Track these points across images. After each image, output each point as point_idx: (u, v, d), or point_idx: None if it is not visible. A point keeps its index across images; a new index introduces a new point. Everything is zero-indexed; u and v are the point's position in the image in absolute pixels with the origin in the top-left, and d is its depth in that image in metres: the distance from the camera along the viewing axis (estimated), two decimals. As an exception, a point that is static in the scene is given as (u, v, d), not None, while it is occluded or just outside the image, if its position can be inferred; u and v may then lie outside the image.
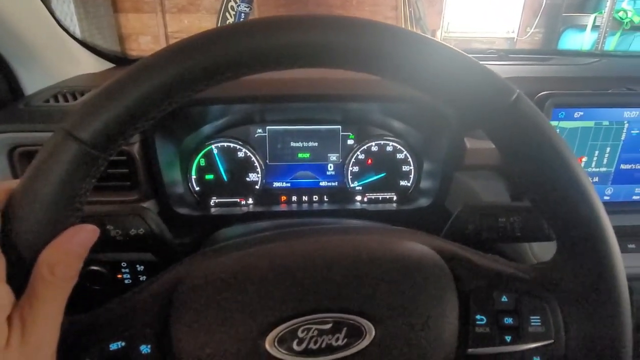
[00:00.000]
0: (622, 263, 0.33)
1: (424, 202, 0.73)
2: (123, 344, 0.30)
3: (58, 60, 0.74)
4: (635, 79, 0.74)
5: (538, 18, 3.73)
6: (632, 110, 0.59)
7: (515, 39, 3.82)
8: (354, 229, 0.40)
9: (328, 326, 0.31)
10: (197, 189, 0.73)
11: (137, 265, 0.63)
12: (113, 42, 3.43)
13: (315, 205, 0.76)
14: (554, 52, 1.13)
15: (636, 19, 3.22)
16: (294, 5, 3.41)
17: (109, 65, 0.88)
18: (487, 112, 0.32)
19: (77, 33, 2.77)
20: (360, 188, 0.76)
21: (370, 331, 0.31)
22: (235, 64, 0.28)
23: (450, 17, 3.74)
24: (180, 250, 0.52)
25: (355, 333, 0.31)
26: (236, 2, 3.21)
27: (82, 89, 0.67)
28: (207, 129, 0.70)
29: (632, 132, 0.61)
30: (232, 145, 0.72)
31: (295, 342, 0.31)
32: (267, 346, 0.30)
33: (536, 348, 0.33)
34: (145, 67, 0.28)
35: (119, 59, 0.90)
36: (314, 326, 0.31)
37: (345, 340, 0.31)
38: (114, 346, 0.30)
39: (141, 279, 0.64)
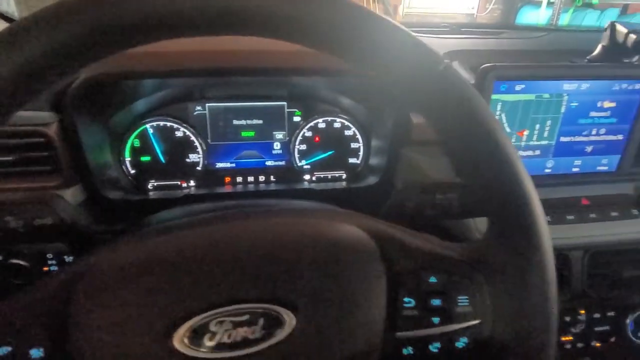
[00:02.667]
0: (550, 241, 0.32)
1: (372, 179, 0.71)
2: (9, 349, 0.27)
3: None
4: (580, 52, 0.74)
5: (497, -6, 3.77)
6: (571, 82, 0.59)
7: (475, 15, 3.86)
8: (278, 211, 0.37)
9: (244, 318, 0.29)
10: (133, 172, 0.68)
11: (65, 257, 0.59)
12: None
13: (261, 185, 0.73)
14: (505, 26, 1.13)
15: (587, -3, 3.33)
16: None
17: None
18: (414, 83, 0.30)
19: (11, 5, 2.54)
20: (309, 167, 0.74)
21: (291, 321, 0.30)
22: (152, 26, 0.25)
23: (411, -8, 3.72)
24: (105, 239, 0.48)
25: (274, 323, 0.29)
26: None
27: None
28: (139, 105, 0.65)
29: (572, 104, 0.61)
30: (169, 124, 0.67)
31: (207, 337, 0.28)
32: (176, 343, 0.28)
33: (464, 328, 0.33)
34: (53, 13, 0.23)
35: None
36: (228, 318, 0.29)
37: (263, 331, 0.29)
38: None
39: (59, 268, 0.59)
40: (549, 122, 0.62)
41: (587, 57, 0.70)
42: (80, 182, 0.59)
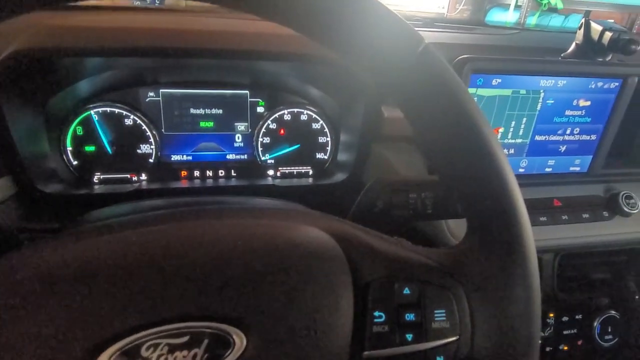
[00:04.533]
0: (533, 244, 0.29)
1: (340, 176, 0.67)
2: None
3: None
4: (553, 50, 0.73)
5: (467, -5, 3.83)
6: (548, 78, 0.57)
7: (445, 15, 3.91)
8: (227, 211, 0.32)
9: (183, 339, 0.24)
10: (75, 163, 0.61)
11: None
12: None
13: (221, 181, 0.67)
14: (478, 23, 1.12)
15: (553, 2, 3.43)
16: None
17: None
18: (390, 66, 0.26)
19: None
20: (273, 162, 0.69)
21: (241, 342, 0.25)
22: None
23: (383, -11, 3.72)
24: (34, 239, 0.41)
25: (220, 345, 0.25)
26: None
27: None
28: (82, 88, 0.57)
29: (548, 101, 0.59)
30: (117, 111, 0.60)
31: None
32: None
33: (440, 346, 0.29)
34: None
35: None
36: (165, 340, 0.24)
37: (206, 355, 0.24)
38: None
39: None
40: (524, 120, 0.59)
41: (562, 55, 0.69)
42: (8, 174, 0.52)
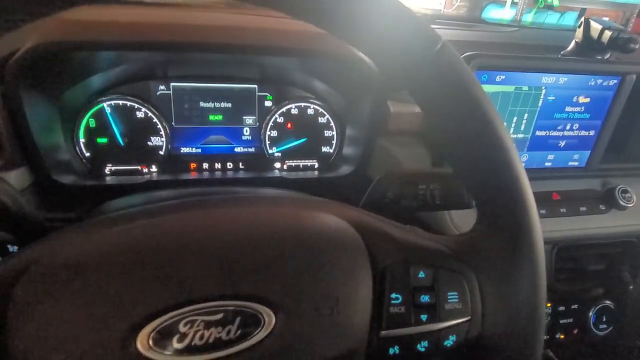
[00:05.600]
0: (540, 231, 0.31)
1: (346, 169, 0.69)
2: None
3: None
4: (552, 47, 0.75)
5: (464, -8, 3.85)
6: (550, 75, 0.59)
7: (442, 11, 3.92)
8: (253, 199, 0.34)
9: (218, 317, 0.26)
10: (87, 154, 0.62)
11: (9, 246, 0.52)
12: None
13: (229, 173, 0.69)
14: (477, 20, 1.13)
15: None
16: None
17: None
18: (409, 62, 0.28)
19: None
20: (280, 154, 0.70)
21: (270, 319, 0.27)
22: None
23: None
24: (54, 228, 0.43)
25: (252, 323, 0.26)
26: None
27: None
28: (95, 82, 0.58)
29: (549, 98, 0.61)
30: (128, 103, 0.62)
31: (176, 339, 0.25)
32: (140, 346, 0.24)
33: (453, 326, 0.31)
34: None
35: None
36: (200, 317, 0.25)
37: (239, 332, 0.26)
38: None
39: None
40: (526, 115, 0.61)
41: (561, 53, 0.70)
42: (26, 165, 0.53)
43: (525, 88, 0.59)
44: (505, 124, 0.61)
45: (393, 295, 0.30)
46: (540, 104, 0.61)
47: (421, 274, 0.31)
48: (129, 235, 0.27)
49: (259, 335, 0.26)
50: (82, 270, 0.25)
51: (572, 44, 0.69)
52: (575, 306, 0.75)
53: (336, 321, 0.28)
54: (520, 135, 0.63)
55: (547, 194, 0.68)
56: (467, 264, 0.32)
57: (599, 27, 0.62)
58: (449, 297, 0.31)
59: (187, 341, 0.25)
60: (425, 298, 0.31)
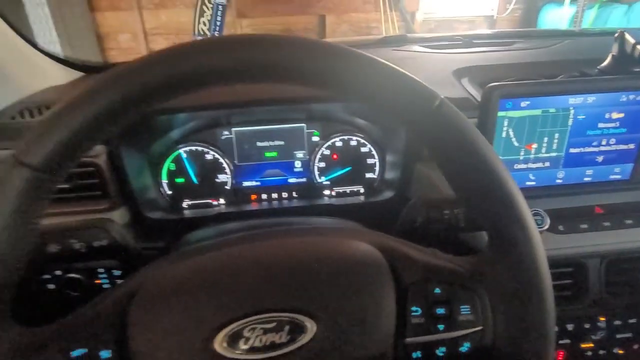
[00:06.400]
0: (543, 251, 0.36)
1: (388, 193, 0.75)
2: (84, 350, 0.33)
3: (25, 74, 0.75)
4: (592, 61, 0.76)
5: (517, -6, 3.73)
6: (576, 96, 0.62)
7: (495, 17, 3.82)
8: (299, 230, 0.42)
9: (272, 325, 0.34)
10: (169, 192, 0.75)
11: (114, 271, 0.66)
12: (91, 42, 3.39)
13: (284, 202, 0.78)
14: (520, 34, 1.15)
15: (614, -9, 3.23)
16: (271, -7, 3.38)
17: (78, 74, 0.89)
18: (413, 119, 0.35)
19: (53, 36, 2.74)
20: (328, 183, 0.79)
21: (312, 327, 0.34)
22: (177, 85, 0.31)
23: (429, -3, 3.72)
24: (149, 255, 0.55)
25: (298, 330, 0.34)
26: (212, -5, 3.18)
27: (49, 102, 0.69)
28: (174, 134, 0.72)
29: (579, 117, 0.63)
30: (200, 148, 0.74)
31: (242, 342, 0.34)
32: (217, 346, 0.33)
33: (466, 335, 0.36)
34: (89, 92, 0.30)
35: (87, 67, 0.90)
36: (259, 325, 0.34)
37: (288, 337, 0.34)
38: (75, 353, 0.33)
39: (118, 282, 0.66)
40: (557, 135, 0.64)
41: (598, 67, 0.72)
42: (125, 205, 0.67)
43: (552, 110, 0.62)
44: (526, 145, 0.64)
45: (414, 308, 0.37)
46: (570, 123, 0.64)
47: (437, 290, 0.37)
48: (206, 264, 0.37)
49: (304, 339, 0.34)
50: (175, 290, 0.35)
51: (609, 57, 0.70)
52: (634, 320, 0.73)
53: (366, 330, 0.35)
54: (554, 154, 0.66)
55: (589, 208, 0.69)
56: (478, 282, 0.38)
57: (632, 41, 0.64)
58: (461, 309, 0.37)
59: (250, 343, 0.34)
60: (440, 310, 0.37)
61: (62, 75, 0.85)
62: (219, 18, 3.27)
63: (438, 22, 3.81)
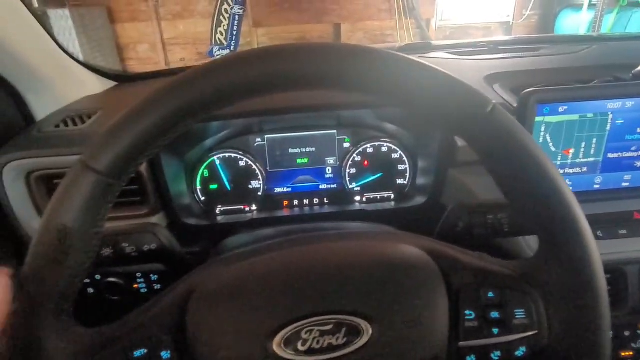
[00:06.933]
0: (598, 255, 0.35)
1: (420, 199, 0.75)
2: (145, 351, 0.33)
3: (63, 84, 0.78)
4: (624, 66, 0.75)
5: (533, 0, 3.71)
6: (615, 101, 0.61)
7: (511, 23, 3.80)
8: (350, 234, 0.43)
9: (329, 327, 0.34)
10: (203, 198, 0.76)
11: (151, 275, 0.67)
12: (112, 52, 3.47)
13: (316, 208, 0.79)
14: (544, 39, 1.14)
15: (633, -5, 3.19)
16: (286, 3, 3.42)
17: (112, 83, 0.91)
18: (465, 124, 0.35)
19: (76, 46, 2.81)
20: (359, 189, 0.79)
21: (368, 330, 0.35)
22: (228, 95, 0.32)
23: (444, 4, 3.73)
24: (189, 259, 0.55)
25: (354, 332, 0.34)
26: (229, 5, 3.24)
27: (88, 111, 0.71)
28: (209, 142, 0.73)
29: (617, 122, 0.63)
30: (233, 155, 0.75)
31: (299, 343, 0.34)
32: (275, 347, 0.34)
33: (522, 338, 0.36)
34: (150, 102, 0.31)
35: (120, 77, 0.93)
36: (316, 327, 0.34)
37: (345, 339, 0.34)
38: (137, 354, 0.34)
39: (155, 287, 0.67)
40: (594, 140, 0.64)
41: (632, 72, 0.71)
42: (163, 211, 0.68)
43: (590, 115, 0.62)
44: (563, 150, 0.64)
45: (467, 312, 0.37)
46: (608, 128, 0.63)
47: (490, 294, 0.37)
48: (263, 266, 0.37)
49: (360, 342, 0.34)
50: (232, 293, 0.36)
51: (644, 61, 0.70)
52: (676, 328, 0.72)
53: (420, 333, 0.35)
54: (591, 159, 0.65)
55: (628, 214, 0.68)
56: (532, 286, 0.37)
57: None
58: (516, 313, 0.37)
59: (307, 345, 0.34)
60: (495, 314, 0.37)
61: (97, 84, 0.87)
62: (235, 27, 3.33)
63: (453, 29, 3.80)
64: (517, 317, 0.37)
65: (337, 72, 0.32)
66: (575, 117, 0.62)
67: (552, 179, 0.35)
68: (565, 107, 0.61)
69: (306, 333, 0.34)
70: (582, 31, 3.33)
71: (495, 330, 0.37)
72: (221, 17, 3.28)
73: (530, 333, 0.36)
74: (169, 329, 0.35)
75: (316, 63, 0.31)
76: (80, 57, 0.85)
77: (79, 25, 2.86)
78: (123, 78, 0.93)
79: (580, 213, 0.35)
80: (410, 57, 0.33)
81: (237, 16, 3.29)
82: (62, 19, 2.73)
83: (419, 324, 0.35)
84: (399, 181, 0.79)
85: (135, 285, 0.66)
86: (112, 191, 0.32)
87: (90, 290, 0.66)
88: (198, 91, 0.31)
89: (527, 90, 0.60)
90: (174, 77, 0.32)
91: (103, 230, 0.34)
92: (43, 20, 0.73)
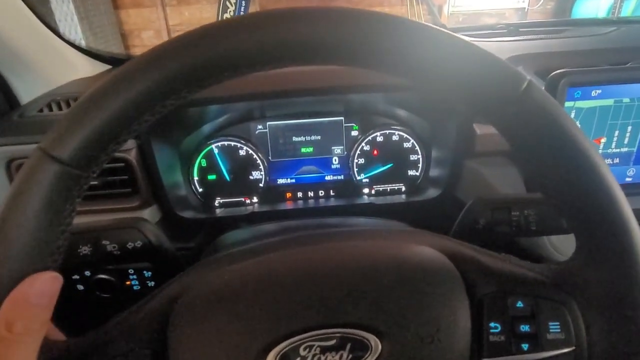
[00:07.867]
0: None
1: (433, 192, 0.70)
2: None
3: (52, 66, 0.73)
4: (657, 49, 0.69)
5: (550, -15, 3.58)
6: (655, 84, 0.55)
7: (526, 10, 3.68)
8: (358, 233, 0.37)
9: (332, 342, 0.29)
10: (200, 190, 0.72)
11: (145, 272, 0.62)
12: (115, 39, 3.41)
13: (321, 200, 0.74)
14: (567, 22, 1.07)
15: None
16: (295, -12, 3.33)
17: (106, 67, 0.86)
18: (496, 104, 0.29)
19: (78, 32, 2.76)
20: (367, 180, 0.74)
21: (377, 346, 0.30)
22: (215, 68, 0.26)
23: (456, -10, 3.61)
24: (182, 256, 0.51)
25: (361, 348, 0.29)
26: (236, -10, 3.16)
27: (76, 95, 0.66)
28: (206, 128, 0.68)
29: (656, 108, 0.57)
30: (232, 143, 0.70)
31: None
32: None
33: (557, 356, 0.31)
34: (123, 76, 0.26)
35: (115, 60, 0.88)
36: (317, 343, 0.29)
37: (350, 356, 0.29)
38: None
39: (149, 284, 0.63)
40: (629, 128, 0.58)
41: (668, 54, 0.65)
42: (155, 203, 0.63)
43: (626, 100, 0.56)
44: (594, 140, 0.58)
45: (492, 325, 0.32)
46: (645, 115, 0.57)
47: (519, 304, 0.32)
48: (256, 270, 0.32)
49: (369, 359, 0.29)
50: (220, 299, 0.31)
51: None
52: None
53: (438, 349, 0.30)
54: (625, 149, 0.59)
55: (662, 209, 0.62)
56: (569, 294, 0.32)
57: None
58: (550, 327, 0.31)
59: None
60: (525, 327, 0.31)
61: (89, 68, 0.82)
62: (242, 13, 3.26)
63: (466, 16, 3.69)
64: (550, 330, 0.31)
65: (342, 42, 0.26)
66: (609, 102, 0.56)
67: (599, 171, 0.29)
68: (599, 91, 0.55)
69: (305, 349, 0.29)
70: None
71: (525, 346, 0.31)
72: (227, 3, 3.20)
73: (566, 350, 0.31)
74: (149, 342, 0.30)
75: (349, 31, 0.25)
76: (83, 44, 0.80)
77: (81, 10, 2.80)
78: (117, 61, 0.87)
79: (630, 212, 0.30)
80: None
81: (244, 1, 3.22)
82: (63, 3, 2.67)
83: (436, 339, 0.30)
84: (411, 172, 0.74)
85: (128, 282, 0.62)
86: (79, 184, 0.27)
87: (80, 287, 0.62)
88: (181, 65, 0.26)
89: (557, 71, 0.54)
90: (155, 46, 0.26)
91: (70, 227, 0.29)
92: (42, 6, 0.68)
